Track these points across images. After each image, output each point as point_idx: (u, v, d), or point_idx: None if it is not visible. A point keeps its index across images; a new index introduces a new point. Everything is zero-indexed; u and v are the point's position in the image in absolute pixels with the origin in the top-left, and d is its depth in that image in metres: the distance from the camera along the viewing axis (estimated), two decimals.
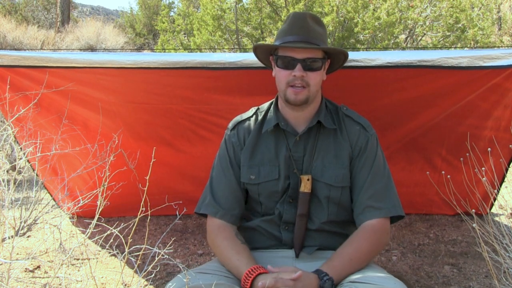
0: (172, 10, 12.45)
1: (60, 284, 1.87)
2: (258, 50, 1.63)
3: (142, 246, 1.33)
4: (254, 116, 1.64)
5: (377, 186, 1.51)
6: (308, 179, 1.52)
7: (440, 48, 6.05)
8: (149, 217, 1.39)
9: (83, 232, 2.46)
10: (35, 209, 2.14)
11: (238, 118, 1.67)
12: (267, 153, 1.57)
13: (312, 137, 1.55)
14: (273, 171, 1.56)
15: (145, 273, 1.34)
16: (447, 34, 6.24)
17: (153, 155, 1.34)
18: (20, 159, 2.17)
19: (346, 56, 1.58)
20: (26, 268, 2.13)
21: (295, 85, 1.47)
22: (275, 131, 1.58)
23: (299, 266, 1.49)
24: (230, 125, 1.66)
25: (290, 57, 1.47)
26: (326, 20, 6.00)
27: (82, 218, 2.69)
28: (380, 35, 6.07)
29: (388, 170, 1.56)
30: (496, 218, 2.86)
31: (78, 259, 2.24)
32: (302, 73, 1.46)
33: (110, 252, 2.27)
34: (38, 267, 2.18)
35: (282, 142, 1.57)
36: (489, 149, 1.82)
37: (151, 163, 1.33)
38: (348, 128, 1.56)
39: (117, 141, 1.91)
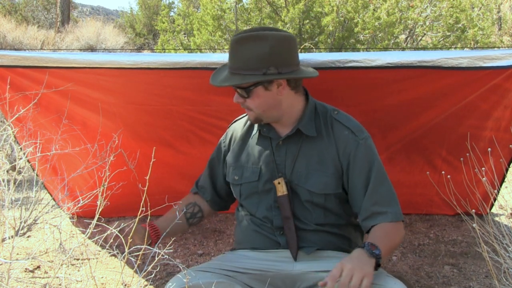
0: (172, 10, 12.44)
1: (60, 284, 1.87)
2: None
3: (142, 246, 1.33)
4: (246, 117, 1.67)
5: (380, 191, 1.49)
6: (279, 183, 1.52)
7: (440, 48, 6.05)
8: (149, 217, 1.39)
9: (83, 232, 2.46)
10: (35, 209, 2.14)
11: (237, 118, 1.74)
12: (251, 156, 1.60)
13: (295, 142, 1.55)
14: (254, 173, 1.58)
15: (145, 273, 1.34)
16: (447, 34, 6.23)
17: (153, 155, 1.34)
18: (20, 159, 2.17)
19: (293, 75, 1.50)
20: (26, 268, 2.13)
21: None
22: (261, 134, 1.60)
23: (299, 267, 1.50)
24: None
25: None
26: (326, 20, 6.00)
27: (82, 218, 2.68)
28: (380, 35, 6.07)
29: (385, 172, 1.54)
30: (496, 218, 2.86)
31: (78, 259, 2.24)
32: (238, 100, 1.51)
33: (110, 252, 2.27)
34: (38, 267, 2.17)
35: (267, 146, 1.58)
36: (489, 149, 1.81)
37: (151, 163, 1.33)
38: (336, 133, 1.54)
39: (117, 141, 1.91)
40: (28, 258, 1.51)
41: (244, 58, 1.43)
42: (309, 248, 1.51)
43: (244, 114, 1.70)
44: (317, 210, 1.53)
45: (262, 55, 1.41)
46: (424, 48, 6.77)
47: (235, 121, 1.74)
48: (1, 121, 3.66)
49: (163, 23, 7.54)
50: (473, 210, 1.55)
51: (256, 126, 1.63)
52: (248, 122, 1.67)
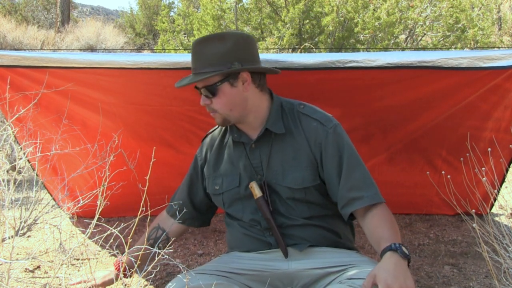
0: (172, 10, 12.46)
1: (60, 284, 1.87)
2: None
3: (142, 246, 1.33)
4: (219, 128, 1.70)
5: (354, 176, 1.49)
6: (251, 187, 1.54)
7: (440, 48, 6.06)
8: (149, 217, 1.39)
9: (83, 232, 2.46)
10: (35, 209, 2.13)
11: (209, 131, 1.75)
12: (229, 163, 1.61)
13: (266, 142, 1.56)
14: (234, 180, 1.59)
15: (145, 273, 1.34)
16: (447, 34, 6.24)
17: (153, 155, 1.34)
18: (20, 159, 2.16)
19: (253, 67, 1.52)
20: (26, 268, 2.13)
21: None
22: (234, 141, 1.61)
23: (293, 265, 1.50)
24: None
25: (196, 87, 1.52)
26: (326, 20, 6.00)
27: (82, 218, 2.68)
28: (380, 35, 6.08)
29: (359, 157, 1.54)
30: (496, 218, 2.86)
31: (78, 259, 2.24)
32: (206, 101, 1.51)
33: (110, 252, 2.27)
34: (38, 267, 2.17)
35: (241, 151, 1.59)
36: (489, 149, 1.81)
37: (151, 163, 1.33)
38: (305, 126, 1.54)
39: (117, 141, 1.91)
40: (28, 258, 1.51)
41: (208, 57, 1.46)
42: (301, 245, 1.51)
43: (216, 126, 1.71)
44: (300, 206, 1.53)
45: (225, 52, 1.45)
46: (424, 48, 6.78)
47: (207, 135, 1.75)
48: (1, 121, 3.67)
49: (163, 23, 7.55)
50: (473, 210, 1.55)
51: (228, 134, 1.64)
52: (221, 133, 1.68)
